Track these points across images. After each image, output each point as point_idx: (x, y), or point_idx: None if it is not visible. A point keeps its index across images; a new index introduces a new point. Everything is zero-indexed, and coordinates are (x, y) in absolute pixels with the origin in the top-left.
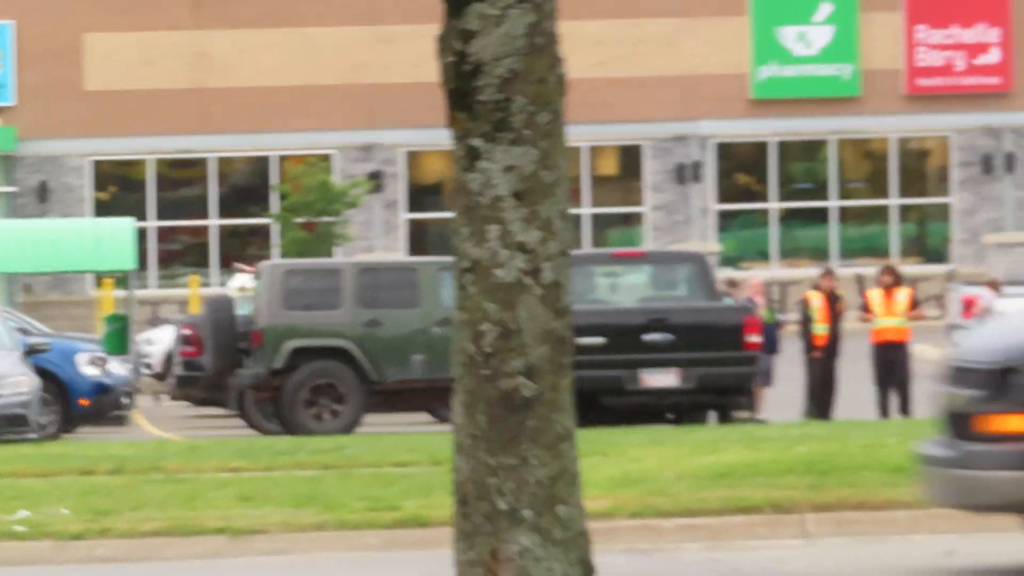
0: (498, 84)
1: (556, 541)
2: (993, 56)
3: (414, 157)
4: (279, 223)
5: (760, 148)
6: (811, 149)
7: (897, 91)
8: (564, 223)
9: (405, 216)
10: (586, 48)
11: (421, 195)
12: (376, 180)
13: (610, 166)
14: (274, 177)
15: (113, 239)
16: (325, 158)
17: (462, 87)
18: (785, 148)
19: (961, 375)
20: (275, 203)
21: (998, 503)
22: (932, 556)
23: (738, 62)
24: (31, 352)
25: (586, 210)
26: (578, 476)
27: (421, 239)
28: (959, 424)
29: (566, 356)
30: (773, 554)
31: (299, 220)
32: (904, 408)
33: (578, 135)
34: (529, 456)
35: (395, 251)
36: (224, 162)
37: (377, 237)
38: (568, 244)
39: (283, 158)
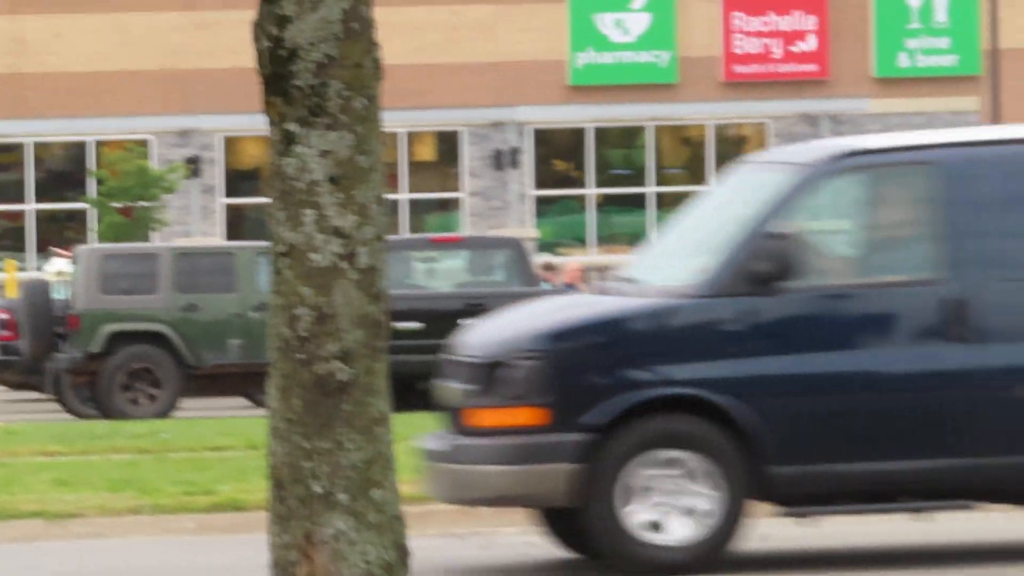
0: (313, 69)
1: (370, 524)
2: (810, 43)
3: (231, 142)
4: (96, 208)
5: (578, 134)
6: (629, 135)
7: (714, 78)
8: (380, 208)
9: (222, 201)
10: (403, 34)
11: (238, 180)
12: (193, 165)
13: (428, 152)
14: (91, 162)
15: None
16: (142, 143)
17: (278, 72)
18: (602, 134)
19: (455, 369)
20: (92, 188)
21: (488, 497)
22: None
23: (556, 49)
24: None
25: (403, 196)
26: (393, 460)
27: (238, 224)
28: (453, 418)
29: (381, 340)
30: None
31: (116, 205)
32: None
33: (395, 121)
34: (344, 440)
35: (213, 236)
36: (40, 147)
37: (194, 222)
38: (384, 229)
39: (100, 143)
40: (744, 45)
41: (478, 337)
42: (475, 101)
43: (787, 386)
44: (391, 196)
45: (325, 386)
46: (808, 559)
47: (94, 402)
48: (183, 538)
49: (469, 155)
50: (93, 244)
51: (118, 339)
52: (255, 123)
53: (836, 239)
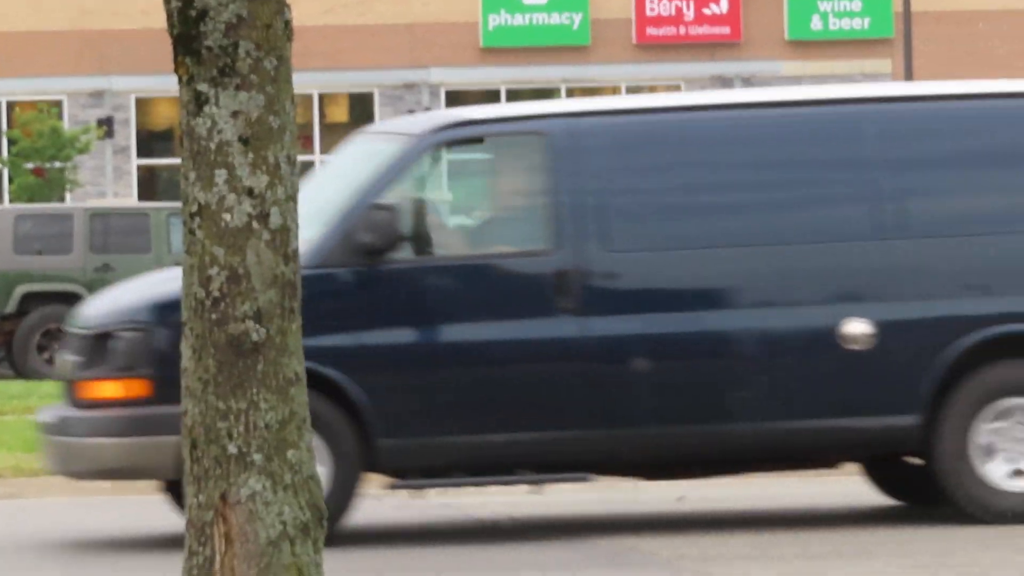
0: (224, 29)
1: (286, 485)
2: (722, 6)
3: (144, 103)
4: (8, 169)
5: (491, 96)
6: (542, 97)
7: (627, 40)
8: (292, 168)
9: (136, 162)
10: None
11: (151, 141)
12: (106, 126)
13: (341, 113)
14: (3, 123)
15: None
16: (55, 104)
17: (188, 32)
18: (515, 96)
19: (69, 341)
20: (4, 148)
21: (98, 470)
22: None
23: (468, 10)
24: None
25: (317, 157)
26: (308, 421)
27: (152, 185)
28: (67, 390)
29: (295, 300)
30: (508, 500)
31: (29, 166)
32: None
33: (308, 82)
34: (258, 400)
35: (126, 197)
36: None
37: (108, 183)
38: (296, 189)
39: (12, 104)
40: (657, 7)
41: (92, 308)
42: (387, 62)
43: (392, 358)
44: (305, 157)
45: (239, 346)
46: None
47: (9, 362)
48: (99, 498)
49: (382, 116)
50: (6, 204)
51: (32, 299)
52: (167, 84)
53: (445, 209)
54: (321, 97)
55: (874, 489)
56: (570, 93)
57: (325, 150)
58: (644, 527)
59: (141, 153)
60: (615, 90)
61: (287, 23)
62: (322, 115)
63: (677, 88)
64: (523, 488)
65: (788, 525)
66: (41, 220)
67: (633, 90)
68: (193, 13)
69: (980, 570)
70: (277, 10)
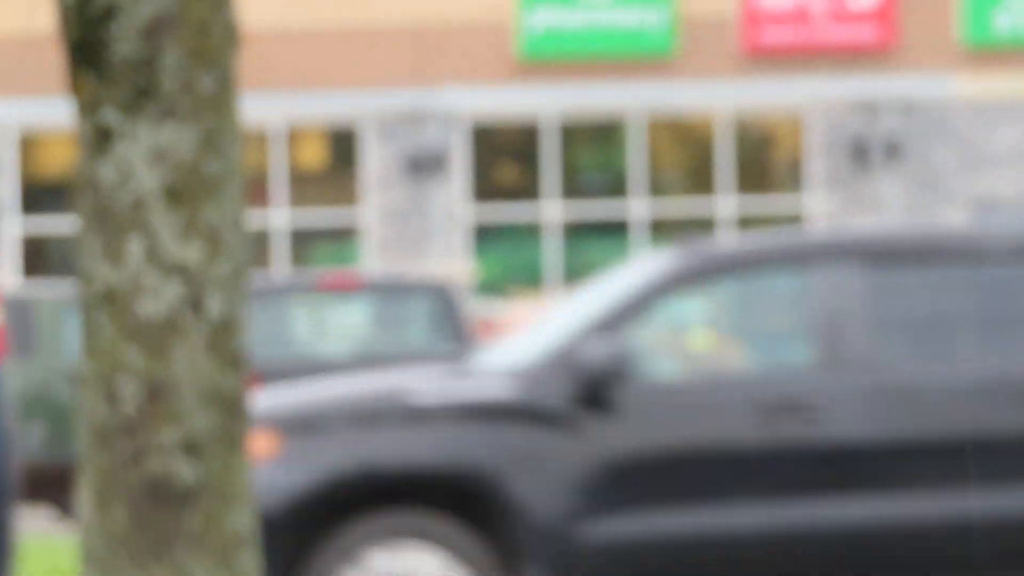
0: (141, 33)
1: None
2: (869, 0)
3: (28, 142)
4: None
5: (530, 129)
6: (605, 130)
7: (728, 48)
8: (239, 233)
9: (16, 225)
10: None
11: (37, 194)
12: None
13: (314, 154)
14: None
15: None
16: None
17: (89, 38)
18: (569, 129)
19: None
20: None
21: None
22: None
23: (497, 5)
24: None
25: (279, 217)
26: None
27: (38, 257)
28: None
29: (242, 424)
30: None
31: None
32: None
33: (266, 109)
34: (192, 569)
35: (1, 274)
36: None
37: None
38: (244, 263)
39: None
40: (772, 2)
41: None
42: (383, 81)
43: None
44: (259, 217)
45: (162, 491)
46: None
47: None
48: None
49: (375, 158)
50: None
51: None
52: (60, 113)
53: None
54: (288, 131)
55: None
56: (648, 124)
57: (294, 206)
58: None
59: (25, 210)
60: (708, 118)
61: (230, 25)
62: (289, 156)
63: (797, 116)
64: None
65: None
66: None
67: (740, 120)
68: (97, 11)
69: None
70: (216, 5)
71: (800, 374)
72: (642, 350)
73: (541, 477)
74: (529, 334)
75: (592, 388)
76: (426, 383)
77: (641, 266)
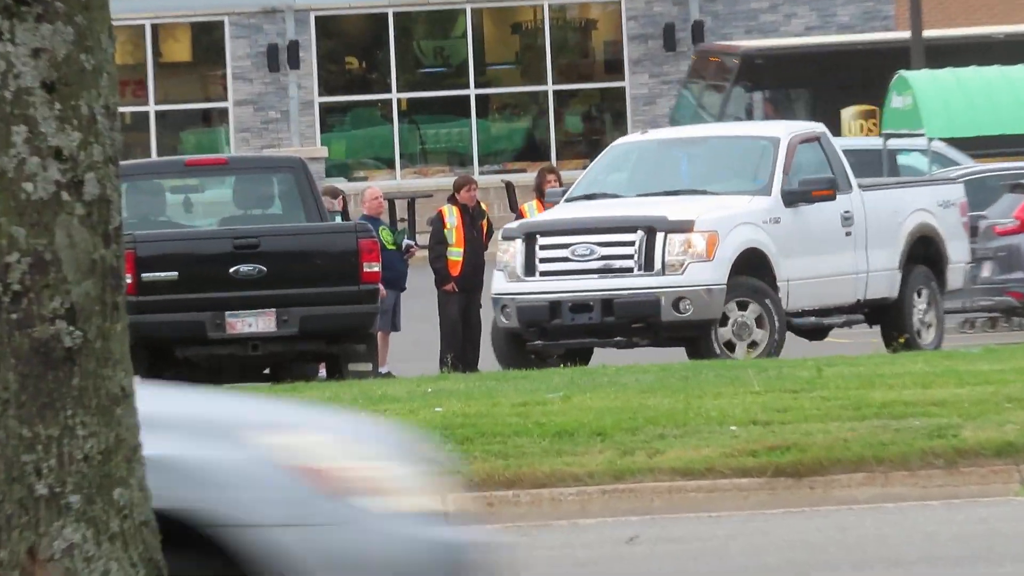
0: None
1: (113, 534)
2: None
3: None
4: None
5: (375, 22)
6: (442, 22)
7: None
8: (111, 121)
9: None
10: None
11: None
12: None
13: (181, 50)
14: None
15: None
16: None
17: None
18: (406, 21)
19: None
20: None
21: None
22: (610, 543)
23: None
24: None
25: (150, 107)
26: (140, 449)
27: None
28: None
29: (119, 294)
30: None
31: None
32: None
33: (135, 9)
34: (75, 424)
35: None
36: None
37: None
38: (117, 148)
39: None
40: None
41: None
42: None
43: None
44: (133, 108)
45: (48, 354)
46: None
47: None
48: None
49: (234, 52)
50: None
51: None
52: None
53: None
54: (154, 29)
55: None
56: (476, 15)
57: (161, 99)
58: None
59: None
60: (534, 11)
61: None
62: (156, 52)
63: (617, 7)
64: None
65: None
66: None
67: (556, 10)
68: None
69: None
70: None
71: None
72: None
73: None
74: None
75: None
76: None
77: None
